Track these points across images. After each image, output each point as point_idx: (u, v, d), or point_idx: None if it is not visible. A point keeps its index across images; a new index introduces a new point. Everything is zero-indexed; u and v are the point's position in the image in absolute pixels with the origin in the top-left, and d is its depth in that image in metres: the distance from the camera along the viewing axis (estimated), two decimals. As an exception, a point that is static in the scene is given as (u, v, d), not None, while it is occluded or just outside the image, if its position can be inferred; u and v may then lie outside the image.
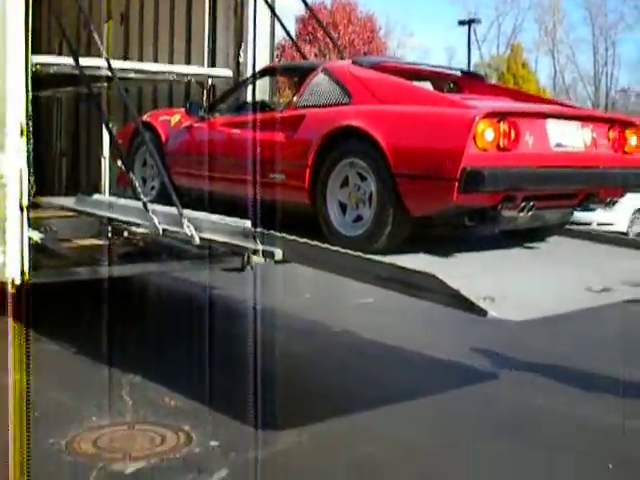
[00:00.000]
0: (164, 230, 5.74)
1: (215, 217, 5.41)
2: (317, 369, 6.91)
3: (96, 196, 6.81)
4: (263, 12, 8.26)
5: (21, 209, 6.56)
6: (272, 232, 4.98)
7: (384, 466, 4.75)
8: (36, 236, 6.89)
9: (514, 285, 4.29)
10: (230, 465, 4.62)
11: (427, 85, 5.70)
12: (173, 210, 5.65)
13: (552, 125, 4.73)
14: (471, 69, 40.38)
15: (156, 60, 9.93)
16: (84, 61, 7.21)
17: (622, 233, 17.29)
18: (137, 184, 6.14)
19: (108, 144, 9.77)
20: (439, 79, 6.03)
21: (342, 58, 11.39)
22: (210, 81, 8.95)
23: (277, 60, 29.58)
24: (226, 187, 5.87)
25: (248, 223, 5.11)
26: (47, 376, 6.04)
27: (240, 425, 5.20)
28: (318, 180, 5.06)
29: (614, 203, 5.27)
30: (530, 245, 5.42)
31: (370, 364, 6.96)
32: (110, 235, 8.00)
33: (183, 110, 6.62)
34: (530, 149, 4.58)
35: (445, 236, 5.21)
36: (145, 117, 6.90)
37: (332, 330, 8.18)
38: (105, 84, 8.96)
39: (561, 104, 5.73)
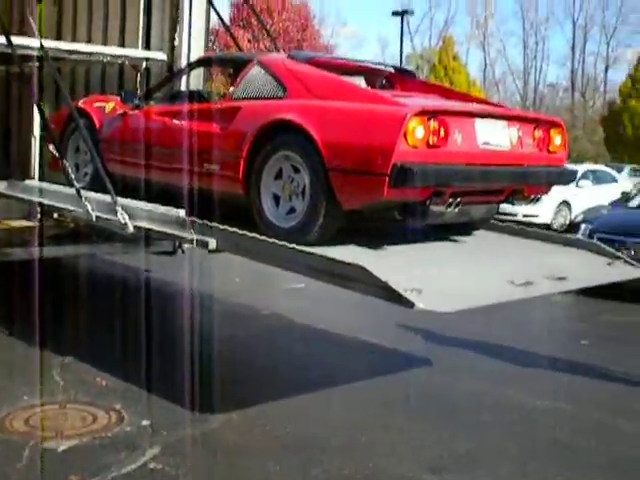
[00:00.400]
0: (97, 217, 5.74)
1: (149, 205, 5.44)
2: (246, 351, 7.03)
3: (28, 182, 6.77)
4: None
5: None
6: (206, 222, 5.05)
7: (311, 444, 4.89)
8: None
9: (440, 278, 4.46)
10: (162, 443, 4.70)
11: (360, 81, 5.83)
12: (107, 197, 5.65)
13: (480, 124, 4.90)
14: (403, 60, 40.83)
15: (89, 42, 9.79)
16: (16, 40, 7.11)
17: (546, 225, 17.82)
18: (70, 170, 6.13)
19: (39, 125, 9.69)
20: (372, 75, 6.16)
21: (275, 46, 11.57)
22: (144, 64, 8.90)
23: (211, 45, 29.39)
24: (161, 176, 5.89)
25: (182, 212, 5.16)
26: None
27: (171, 405, 5.28)
28: (252, 172, 5.13)
29: (538, 200, 5.48)
30: (457, 239, 5.59)
31: (298, 346, 7.15)
32: (40, 217, 7.95)
33: (118, 97, 6.61)
34: (458, 147, 4.73)
35: (375, 229, 5.34)
36: (79, 103, 6.84)
37: (261, 313, 8.32)
38: (37, 64, 8.84)
39: (489, 103, 5.92)
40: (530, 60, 60.85)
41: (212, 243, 4.97)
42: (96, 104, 6.78)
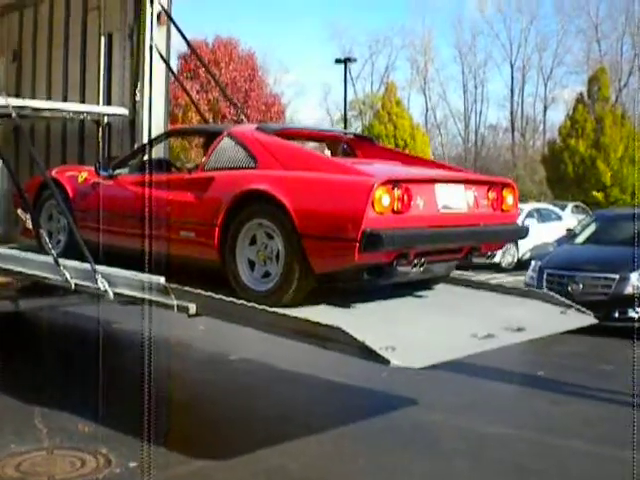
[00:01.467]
0: (76, 285, 5.96)
1: (128, 273, 5.67)
2: (220, 393, 7.39)
3: (1, 250, 6.88)
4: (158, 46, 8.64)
5: None
6: (186, 288, 5.32)
7: (291, 472, 5.24)
8: None
9: (410, 335, 4.80)
10: None
11: (323, 148, 6.19)
12: (85, 265, 5.89)
13: (440, 189, 5.29)
14: (347, 105, 41.57)
15: (50, 98, 9.99)
16: None
17: (496, 264, 18.30)
18: (46, 239, 6.32)
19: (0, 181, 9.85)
20: (334, 141, 6.55)
21: (225, 95, 11.75)
22: (106, 119, 9.16)
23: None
24: (136, 243, 6.08)
25: (162, 279, 5.41)
26: None
27: (155, 448, 5.47)
28: (227, 238, 5.42)
29: (494, 256, 5.87)
30: (420, 294, 5.93)
31: (265, 386, 7.55)
32: None
33: (89, 168, 6.86)
34: (421, 211, 5.11)
35: (344, 288, 5.65)
36: (53, 173, 7.06)
37: (228, 358, 8.64)
38: None
39: (446, 167, 6.31)
40: (470, 103, 62.48)
41: (192, 308, 5.23)
42: (68, 173, 7.02)
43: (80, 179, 6.77)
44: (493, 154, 56.99)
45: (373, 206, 4.78)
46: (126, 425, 5.84)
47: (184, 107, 31.03)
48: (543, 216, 22.81)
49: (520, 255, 19.68)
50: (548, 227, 21.29)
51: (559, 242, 15.20)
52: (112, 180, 6.51)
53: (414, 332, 4.88)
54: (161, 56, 8.61)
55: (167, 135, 6.81)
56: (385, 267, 5.13)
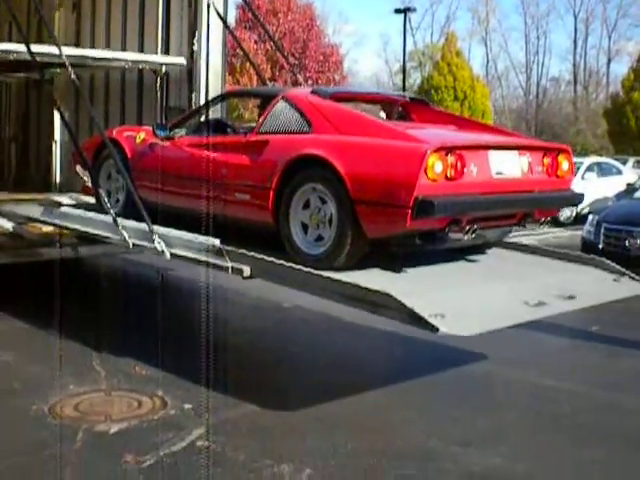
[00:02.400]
0: (134, 244, 6.12)
1: (185, 234, 5.80)
2: (274, 340, 7.57)
3: (63, 208, 7.05)
4: (215, 2, 8.69)
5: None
6: (241, 250, 5.42)
7: (346, 423, 5.29)
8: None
9: (460, 301, 4.83)
10: (206, 424, 5.09)
11: (378, 111, 6.19)
12: (142, 225, 6.03)
13: (493, 155, 5.28)
14: (406, 57, 41.11)
15: (108, 48, 10.10)
16: (35, 47, 7.42)
17: (554, 217, 17.95)
18: (106, 199, 6.49)
19: (59, 131, 10.04)
20: (388, 104, 6.55)
21: (279, 49, 11.62)
22: (164, 69, 9.23)
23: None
24: (192, 204, 6.20)
25: (217, 241, 5.53)
26: (20, 351, 6.59)
27: (209, 391, 5.61)
28: (281, 202, 5.51)
29: (547, 222, 5.83)
30: (471, 258, 5.96)
31: (318, 333, 7.71)
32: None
33: (147, 128, 6.97)
34: (474, 178, 5.11)
35: (395, 252, 5.69)
36: (112, 133, 7.19)
37: (283, 306, 8.75)
38: (57, 70, 9.13)
39: (501, 131, 6.27)
40: (532, 55, 61.20)
41: (246, 270, 5.35)
42: (126, 133, 7.14)
43: (138, 139, 6.89)
44: (555, 107, 55.79)
45: (426, 173, 4.80)
46: (182, 369, 6.02)
47: (241, 57, 30.96)
48: (603, 170, 22.40)
49: (579, 209, 19.41)
50: (608, 181, 20.94)
51: (618, 197, 14.97)
52: (169, 141, 6.60)
53: (464, 299, 4.91)
54: (218, 14, 8.64)
55: (223, 97, 6.86)
56: (437, 233, 5.16)
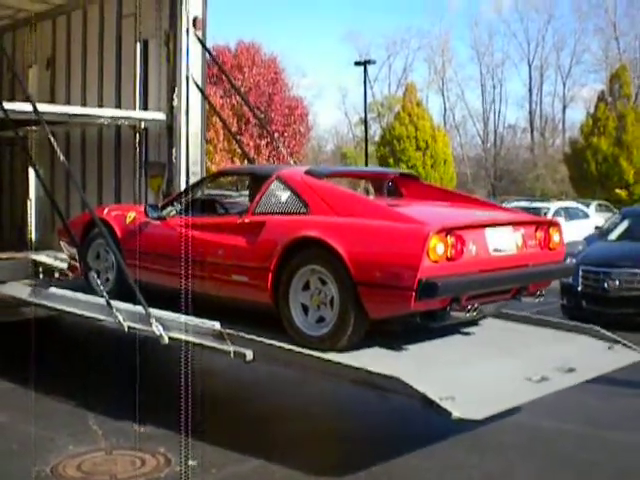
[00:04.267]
0: (129, 327, 6.04)
1: (183, 317, 5.75)
2: (258, 391, 7.41)
3: (53, 289, 6.98)
4: (194, 57, 8.76)
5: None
6: (242, 334, 5.42)
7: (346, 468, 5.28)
8: None
9: (467, 382, 4.87)
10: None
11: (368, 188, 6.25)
12: (138, 308, 5.98)
13: (490, 233, 5.37)
14: (367, 108, 41.59)
15: (84, 104, 10.08)
16: (8, 105, 7.43)
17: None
18: (97, 281, 6.41)
19: (33, 187, 10.02)
20: (380, 179, 6.64)
21: (246, 103, 11.60)
22: (143, 124, 9.22)
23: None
24: (187, 285, 6.16)
25: (217, 325, 5.51)
26: (12, 412, 6.48)
27: (211, 447, 5.59)
28: (280, 283, 5.51)
29: (542, 295, 5.91)
30: (467, 331, 5.99)
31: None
32: (42, 276, 8.55)
33: (137, 207, 6.95)
34: (473, 256, 5.19)
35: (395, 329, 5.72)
36: (102, 212, 7.15)
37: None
38: (32, 128, 9.03)
39: (492, 205, 6.38)
40: (489, 103, 62.41)
41: (249, 354, 5.33)
42: (114, 213, 7.10)
43: (128, 219, 6.85)
44: (512, 154, 56.80)
45: (428, 255, 4.87)
46: (181, 426, 5.79)
47: (207, 111, 31.08)
48: (570, 214, 22.84)
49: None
50: (576, 225, 21.28)
51: (589, 240, 15.22)
52: (161, 221, 6.59)
53: (470, 379, 4.95)
54: (197, 85, 8.69)
55: (215, 176, 6.86)
56: (439, 312, 5.22)
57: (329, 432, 6.07)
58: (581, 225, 21.27)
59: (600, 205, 30.76)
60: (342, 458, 5.55)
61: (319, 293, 5.38)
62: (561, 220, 21.21)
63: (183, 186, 8.65)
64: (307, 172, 5.97)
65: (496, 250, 5.38)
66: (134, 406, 6.33)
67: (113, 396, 6.81)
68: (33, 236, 10.95)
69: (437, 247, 4.91)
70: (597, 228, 16.69)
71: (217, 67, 24.67)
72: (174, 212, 6.60)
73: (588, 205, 28.32)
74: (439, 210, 5.92)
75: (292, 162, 10.43)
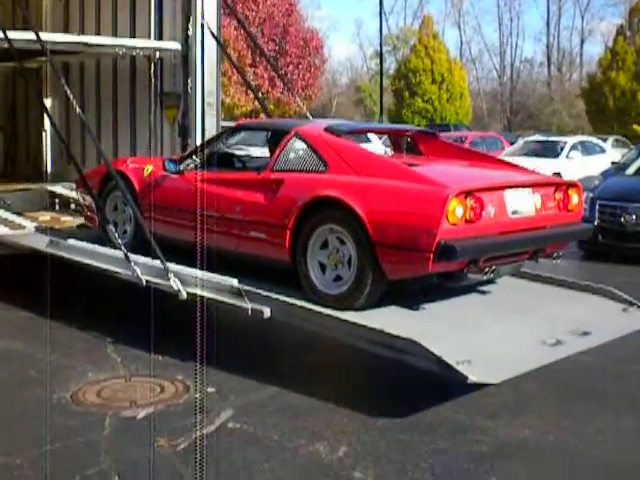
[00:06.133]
0: (147, 281, 6.05)
1: (201, 273, 5.77)
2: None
3: (71, 241, 6.96)
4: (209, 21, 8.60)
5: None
6: (260, 291, 5.46)
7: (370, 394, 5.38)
8: None
9: (482, 345, 4.93)
10: (233, 406, 5.13)
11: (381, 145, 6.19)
12: (156, 262, 5.99)
13: (509, 194, 5.35)
14: (382, 41, 41.00)
15: (99, 34, 9.88)
16: (16, 34, 7.35)
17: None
18: (115, 234, 6.42)
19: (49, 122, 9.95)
20: (398, 135, 6.61)
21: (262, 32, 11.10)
22: (158, 54, 9.11)
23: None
24: (204, 240, 6.12)
25: (235, 281, 5.55)
26: (28, 340, 6.54)
27: (229, 374, 5.64)
28: (299, 241, 5.52)
29: (559, 256, 5.91)
30: (483, 290, 6.00)
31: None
32: (58, 207, 8.67)
33: (155, 160, 6.91)
34: (492, 219, 5.18)
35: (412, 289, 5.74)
36: (120, 165, 7.11)
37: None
38: (45, 58, 8.79)
39: (511, 166, 6.33)
40: (506, 37, 61.30)
41: (267, 312, 5.38)
42: (132, 165, 7.05)
43: (146, 172, 6.80)
44: (529, 88, 55.95)
45: (447, 218, 4.87)
46: (199, 353, 5.73)
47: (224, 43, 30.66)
48: (587, 149, 22.59)
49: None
50: (592, 160, 21.11)
51: (605, 175, 15.12)
52: (179, 175, 6.55)
53: (486, 342, 5.00)
54: (212, 33, 8.56)
55: (233, 130, 6.77)
56: (456, 274, 5.25)
57: (347, 363, 6.11)
58: (598, 160, 21.05)
59: (617, 140, 30.38)
60: (360, 388, 5.60)
61: (337, 252, 5.40)
62: (578, 154, 21.10)
63: (199, 117, 8.67)
64: (326, 129, 5.91)
65: (515, 212, 5.37)
66: (151, 336, 6.18)
67: (132, 326, 6.73)
68: (49, 168, 11.02)
69: (456, 210, 4.91)
70: (613, 163, 16.59)
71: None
72: (192, 166, 6.55)
73: (605, 140, 27.99)
74: (458, 171, 5.89)
75: (304, 107, 10.27)
